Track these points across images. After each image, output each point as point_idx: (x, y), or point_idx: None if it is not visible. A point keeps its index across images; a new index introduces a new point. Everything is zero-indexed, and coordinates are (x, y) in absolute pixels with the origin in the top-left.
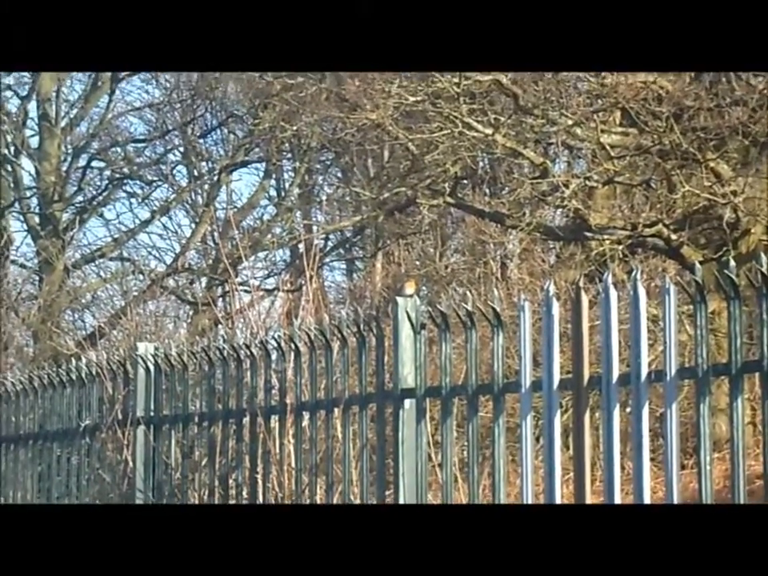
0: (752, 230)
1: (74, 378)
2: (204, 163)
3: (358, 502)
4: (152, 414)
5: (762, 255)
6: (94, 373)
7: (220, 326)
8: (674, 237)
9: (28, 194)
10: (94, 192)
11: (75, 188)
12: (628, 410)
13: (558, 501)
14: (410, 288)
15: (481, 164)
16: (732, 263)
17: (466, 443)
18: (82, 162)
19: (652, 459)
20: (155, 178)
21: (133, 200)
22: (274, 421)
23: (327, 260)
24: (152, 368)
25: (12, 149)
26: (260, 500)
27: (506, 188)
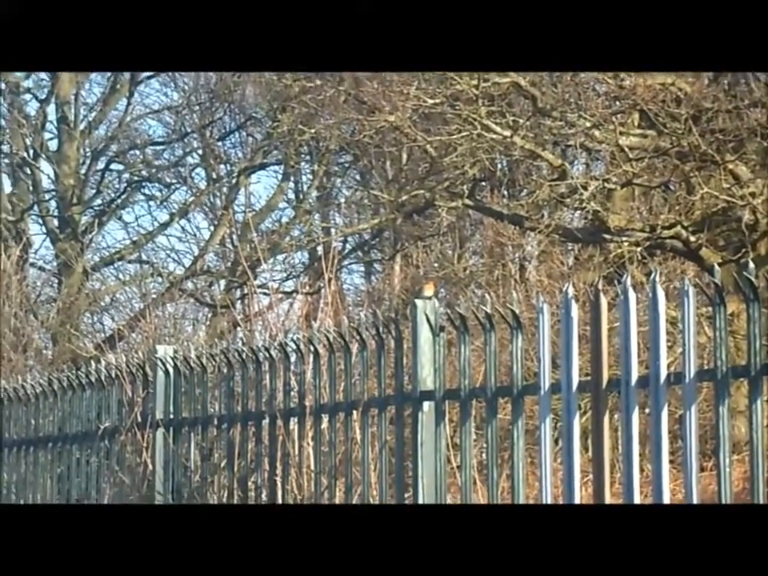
0: None
1: (93, 380)
2: (222, 166)
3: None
4: (171, 416)
5: None
6: (113, 375)
7: (239, 329)
8: (692, 239)
9: (47, 196)
10: (113, 195)
11: (94, 191)
12: (647, 411)
13: (578, 503)
14: (428, 290)
15: (499, 166)
16: (751, 265)
17: (484, 445)
18: (100, 165)
19: (671, 461)
20: (174, 181)
21: (151, 203)
22: (293, 423)
23: (346, 262)
24: (171, 370)
25: (31, 152)
26: (279, 502)
27: (525, 190)
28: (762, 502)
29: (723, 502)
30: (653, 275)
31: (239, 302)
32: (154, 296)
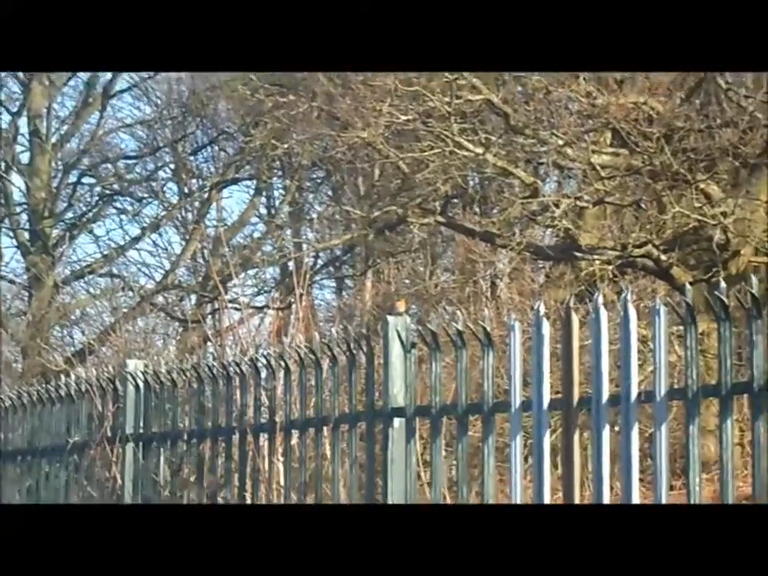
0: (742, 252)
1: (62, 394)
2: (194, 180)
3: None
4: (141, 431)
5: (752, 276)
6: (83, 389)
7: (209, 344)
8: (663, 257)
9: (18, 209)
10: (84, 208)
11: (65, 204)
12: (617, 429)
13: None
14: (400, 307)
15: (471, 183)
16: (722, 284)
17: (455, 462)
18: (72, 178)
19: (641, 480)
20: (145, 195)
21: (123, 216)
22: (264, 439)
23: (317, 278)
24: (141, 385)
25: (2, 164)
26: None
27: (497, 207)
28: None
29: None
30: (624, 293)
31: (210, 316)
32: (125, 310)
